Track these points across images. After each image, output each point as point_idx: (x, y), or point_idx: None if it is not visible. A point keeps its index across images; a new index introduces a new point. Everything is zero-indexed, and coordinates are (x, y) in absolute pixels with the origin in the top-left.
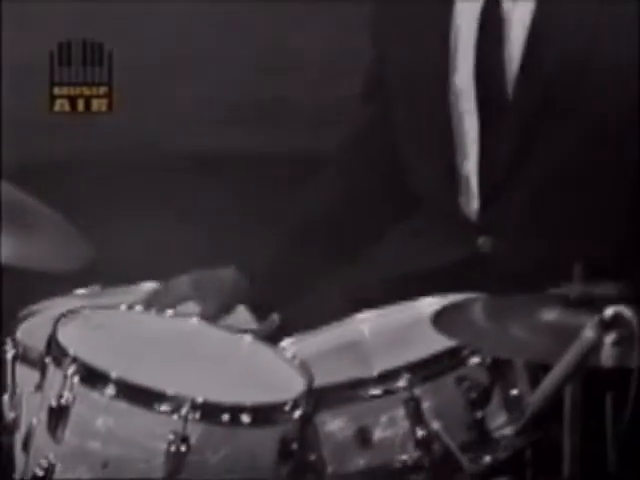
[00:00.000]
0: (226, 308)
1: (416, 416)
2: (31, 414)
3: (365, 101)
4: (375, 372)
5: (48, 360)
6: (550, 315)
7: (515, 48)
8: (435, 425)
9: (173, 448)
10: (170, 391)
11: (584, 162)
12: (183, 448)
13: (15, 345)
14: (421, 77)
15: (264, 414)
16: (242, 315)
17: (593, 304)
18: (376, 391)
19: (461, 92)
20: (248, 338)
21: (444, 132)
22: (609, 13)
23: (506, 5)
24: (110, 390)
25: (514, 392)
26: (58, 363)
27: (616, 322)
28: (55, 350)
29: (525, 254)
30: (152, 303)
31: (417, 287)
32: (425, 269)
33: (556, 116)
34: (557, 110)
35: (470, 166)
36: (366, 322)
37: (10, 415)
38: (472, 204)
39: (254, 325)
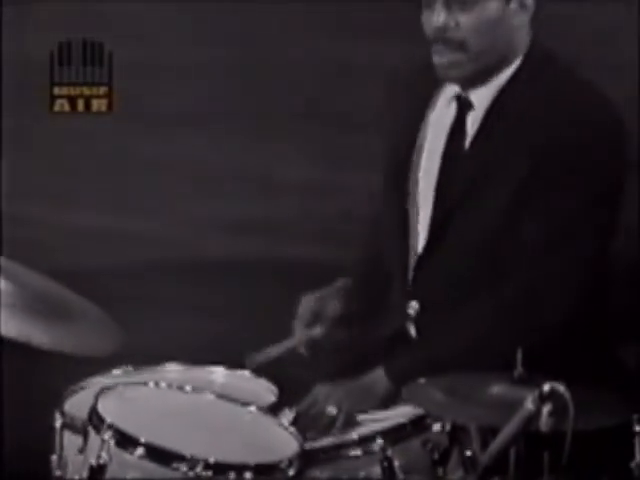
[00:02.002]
0: None
1: (389, 473)
2: (75, 472)
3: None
4: (355, 436)
5: (89, 428)
6: (497, 390)
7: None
8: None
9: None
10: (187, 453)
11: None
12: None
13: (63, 416)
14: (392, 168)
15: (264, 471)
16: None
17: (533, 381)
18: (356, 452)
19: (421, 185)
20: (252, 409)
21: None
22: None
23: (470, 118)
24: (139, 451)
25: (469, 452)
26: (97, 430)
27: (552, 396)
28: (95, 419)
29: (448, 320)
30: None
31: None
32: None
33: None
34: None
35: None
36: None
37: (57, 473)
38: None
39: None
